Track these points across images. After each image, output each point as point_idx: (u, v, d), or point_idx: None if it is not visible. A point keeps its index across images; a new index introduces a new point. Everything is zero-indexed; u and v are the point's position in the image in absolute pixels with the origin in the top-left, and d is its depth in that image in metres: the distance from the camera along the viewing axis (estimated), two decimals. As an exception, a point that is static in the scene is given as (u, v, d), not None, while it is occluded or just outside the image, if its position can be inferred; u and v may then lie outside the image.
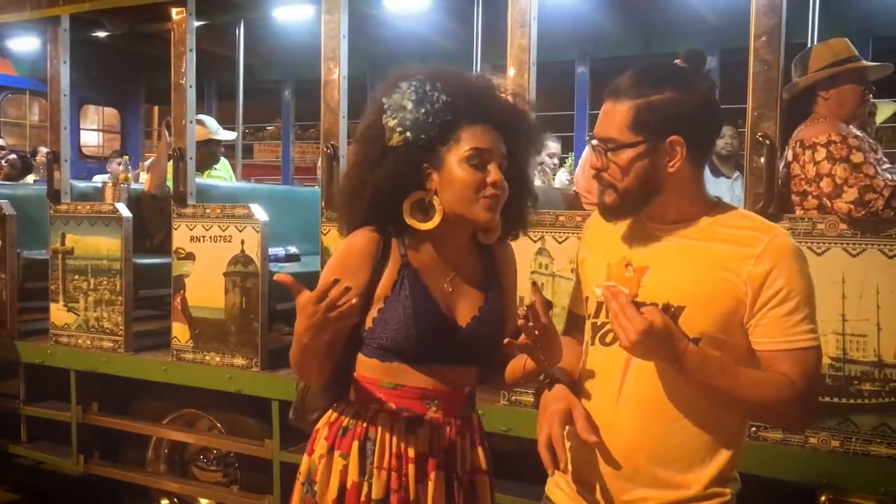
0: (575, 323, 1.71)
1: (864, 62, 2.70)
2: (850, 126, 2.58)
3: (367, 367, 1.68)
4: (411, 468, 1.63)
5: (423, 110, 1.59)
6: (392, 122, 1.61)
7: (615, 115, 1.46)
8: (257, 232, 3.41)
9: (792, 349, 1.41)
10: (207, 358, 3.53)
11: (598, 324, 1.56)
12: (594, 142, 1.50)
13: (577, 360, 1.63)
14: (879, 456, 2.33)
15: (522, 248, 2.73)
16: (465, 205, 1.60)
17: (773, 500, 2.50)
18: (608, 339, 1.53)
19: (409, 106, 1.59)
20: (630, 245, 1.54)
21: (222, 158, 5.19)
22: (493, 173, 1.59)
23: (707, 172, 5.13)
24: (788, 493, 2.51)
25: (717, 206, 1.52)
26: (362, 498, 1.62)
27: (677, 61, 1.50)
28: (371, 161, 1.65)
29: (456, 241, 1.70)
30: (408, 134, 1.60)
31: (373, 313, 1.65)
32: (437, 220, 1.62)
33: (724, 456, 1.47)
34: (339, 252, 1.67)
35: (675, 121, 1.43)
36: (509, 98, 1.72)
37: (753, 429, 2.47)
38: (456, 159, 1.60)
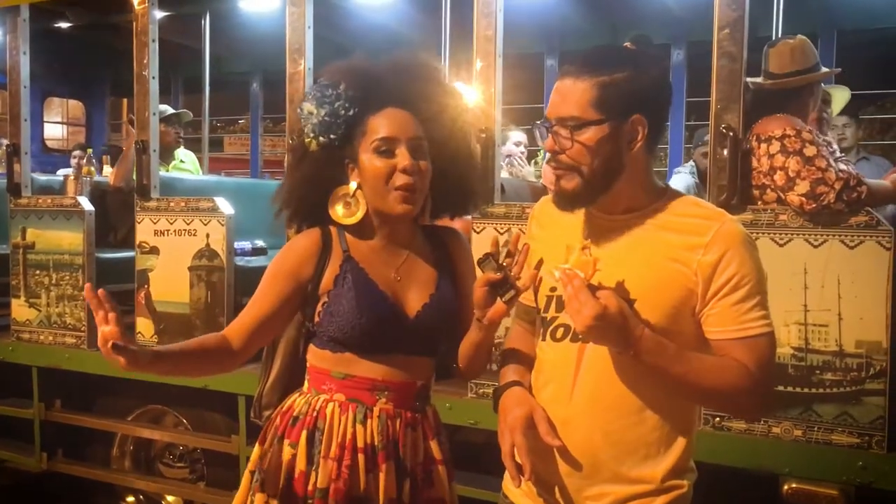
0: (524, 313, 1.67)
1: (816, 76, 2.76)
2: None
3: (319, 358, 1.70)
4: (361, 458, 1.63)
5: (324, 112, 1.63)
6: (306, 129, 1.66)
7: (575, 93, 1.40)
8: (222, 225, 3.37)
9: (745, 337, 1.38)
10: (172, 353, 3.48)
11: (548, 319, 1.53)
12: (547, 123, 1.44)
13: (532, 350, 1.61)
14: (841, 445, 2.36)
15: (488, 240, 2.72)
16: (378, 197, 1.62)
17: (736, 489, 2.52)
18: (558, 334, 1.51)
19: (314, 110, 1.64)
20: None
21: (188, 151, 5.13)
22: (402, 158, 1.60)
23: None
24: (751, 482, 2.53)
25: (666, 194, 1.48)
26: (309, 487, 1.62)
27: (627, 44, 1.48)
28: (298, 166, 1.71)
29: (398, 229, 1.70)
30: (320, 138, 1.64)
31: (319, 308, 1.66)
32: (359, 213, 1.65)
33: (679, 447, 1.46)
34: (278, 254, 1.71)
35: (638, 99, 1.39)
36: (422, 74, 1.72)
37: (717, 418, 2.48)
38: (366, 151, 1.62)
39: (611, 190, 1.44)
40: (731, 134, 2.44)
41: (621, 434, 1.45)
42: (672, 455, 1.46)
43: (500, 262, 1.47)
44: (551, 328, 1.52)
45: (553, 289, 1.51)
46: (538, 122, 1.47)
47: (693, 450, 1.50)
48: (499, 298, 1.46)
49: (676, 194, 1.50)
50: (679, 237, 1.42)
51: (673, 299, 1.41)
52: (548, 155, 1.49)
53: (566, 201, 1.46)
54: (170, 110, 4.87)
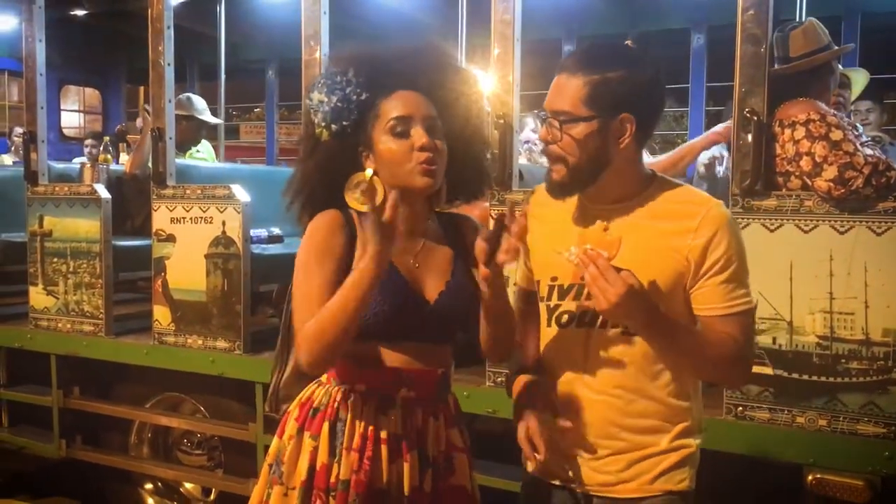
0: (525, 298, 1.75)
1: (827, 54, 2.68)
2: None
3: None
4: (384, 449, 1.61)
5: (335, 98, 1.61)
6: (317, 119, 1.64)
7: (568, 89, 1.49)
8: (238, 213, 3.35)
9: (733, 313, 1.50)
10: (189, 341, 3.49)
11: (552, 306, 1.61)
12: (543, 114, 1.54)
13: (535, 329, 1.68)
14: (867, 435, 2.32)
15: (507, 228, 2.69)
16: (399, 176, 1.59)
17: (760, 480, 2.48)
18: (563, 320, 1.58)
19: (325, 98, 1.62)
20: (576, 225, 1.58)
21: (203, 140, 5.13)
22: (418, 137, 1.58)
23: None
24: (775, 472, 2.49)
25: (654, 182, 1.57)
26: (332, 479, 1.60)
27: (628, 42, 1.52)
28: (311, 156, 1.68)
29: (416, 212, 1.67)
30: (332, 126, 1.62)
31: None
32: (378, 200, 1.58)
33: (686, 415, 1.57)
34: (307, 237, 1.65)
35: (628, 99, 1.47)
36: (431, 56, 1.71)
37: (739, 408, 2.44)
38: (381, 133, 1.61)
39: (599, 181, 1.52)
40: (756, 118, 2.39)
41: (631, 408, 1.54)
42: (681, 423, 1.57)
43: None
44: (555, 315, 1.60)
45: (554, 278, 1.59)
46: (536, 111, 1.54)
47: (701, 414, 1.62)
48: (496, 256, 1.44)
49: (665, 182, 1.59)
50: (670, 223, 1.51)
51: (667, 281, 1.50)
52: None
53: (556, 190, 1.56)
54: (207, 113, 4.83)
